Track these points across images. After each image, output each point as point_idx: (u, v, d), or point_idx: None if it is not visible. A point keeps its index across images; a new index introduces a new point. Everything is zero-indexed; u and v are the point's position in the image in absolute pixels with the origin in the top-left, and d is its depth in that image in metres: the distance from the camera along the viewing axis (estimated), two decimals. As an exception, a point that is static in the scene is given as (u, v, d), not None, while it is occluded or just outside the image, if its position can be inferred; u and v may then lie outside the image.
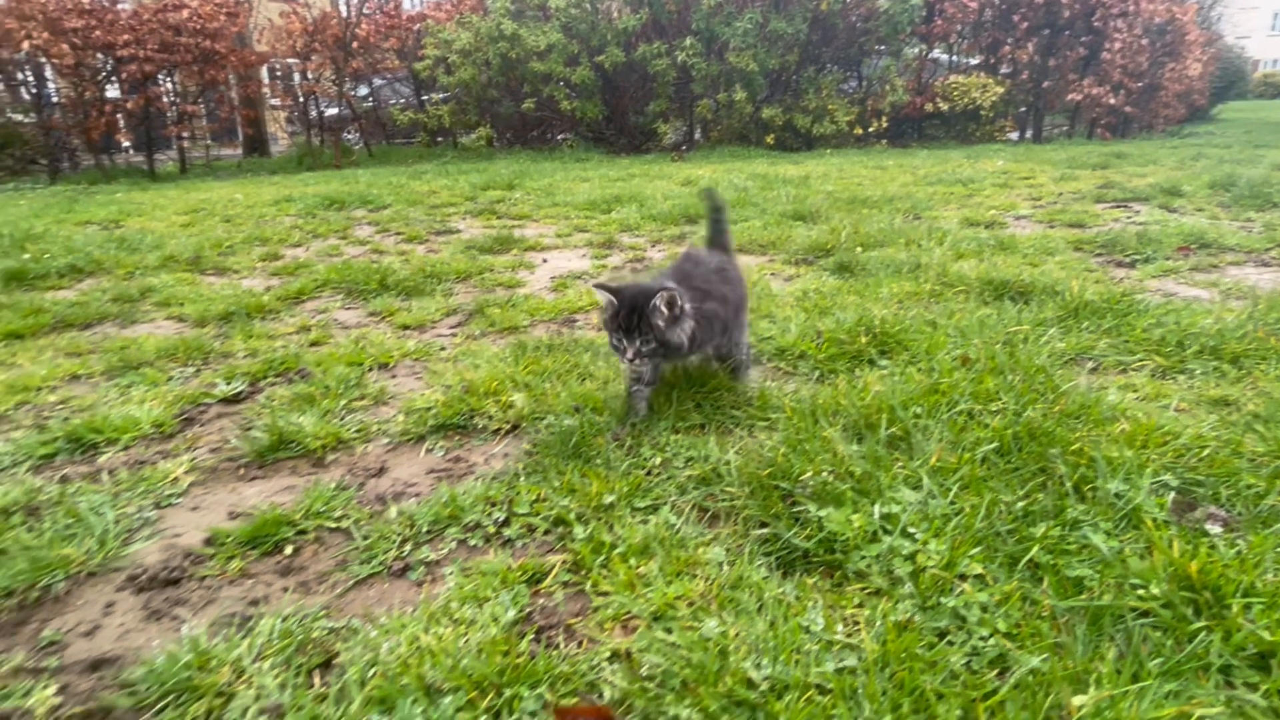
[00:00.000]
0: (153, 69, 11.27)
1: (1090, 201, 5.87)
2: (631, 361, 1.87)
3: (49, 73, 12.15)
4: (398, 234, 5.30)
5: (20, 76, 12.01)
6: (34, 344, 3.00)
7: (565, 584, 1.40)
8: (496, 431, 2.05)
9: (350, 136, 14.85)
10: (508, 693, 1.13)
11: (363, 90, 15.15)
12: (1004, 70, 13.96)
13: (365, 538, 1.57)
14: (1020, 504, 1.48)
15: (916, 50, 14.21)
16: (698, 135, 13.35)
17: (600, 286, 1.88)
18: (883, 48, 13.23)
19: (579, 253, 4.55)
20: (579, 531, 1.51)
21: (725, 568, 1.38)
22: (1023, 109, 14.37)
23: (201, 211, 6.55)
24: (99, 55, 11.24)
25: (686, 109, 12.99)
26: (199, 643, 1.25)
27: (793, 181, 7.12)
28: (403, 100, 15.28)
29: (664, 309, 1.81)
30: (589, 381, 2.27)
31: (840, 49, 13.04)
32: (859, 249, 3.93)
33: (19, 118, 11.82)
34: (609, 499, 1.61)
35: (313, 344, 2.86)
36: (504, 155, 12.22)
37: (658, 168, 9.67)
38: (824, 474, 1.56)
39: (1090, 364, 2.34)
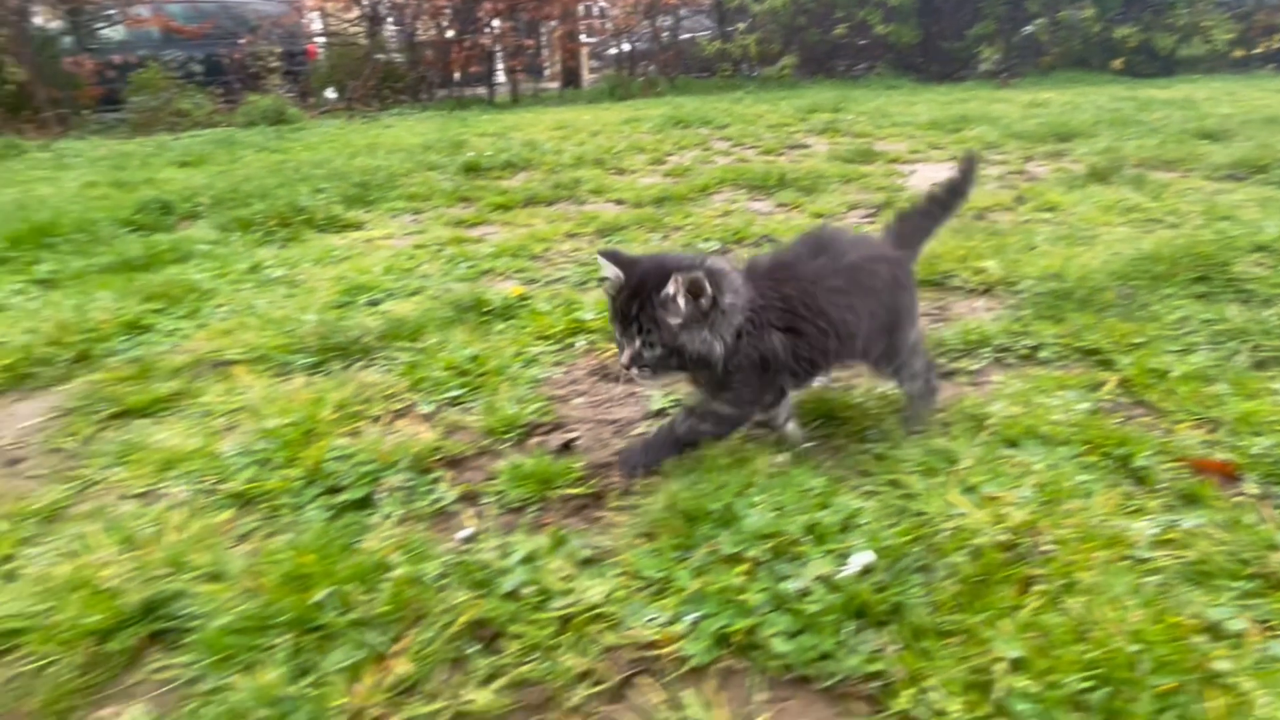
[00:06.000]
0: (504, 7, 12.87)
1: None
2: (627, 369, 1.24)
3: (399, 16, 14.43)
4: (752, 147, 5.68)
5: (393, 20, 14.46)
6: (519, 213, 3.82)
7: (1119, 395, 1.61)
8: (972, 290, 2.28)
9: (652, 69, 15.69)
10: (1117, 451, 1.37)
11: (666, 23, 15.86)
12: None
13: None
14: None
15: (1338, -52, 11.41)
16: (1015, 61, 12.11)
17: (607, 255, 1.28)
18: (1288, -53, 10.84)
19: (945, 166, 4.56)
20: (1122, 360, 1.70)
21: (1296, 399, 1.49)
22: None
23: (566, 128, 7.50)
24: (460, -2, 13.11)
25: (1006, 32, 11.81)
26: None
27: (1173, 104, 6.30)
28: (702, 32, 15.73)
29: (680, 300, 1.18)
30: (1045, 259, 2.41)
31: (1226, -48, 10.93)
32: (1311, 164, 3.50)
33: (395, 56, 14.27)
34: (1138, 340, 1.77)
35: (747, 223, 3.29)
36: (808, 85, 12.15)
37: (986, 93, 9.04)
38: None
39: None
